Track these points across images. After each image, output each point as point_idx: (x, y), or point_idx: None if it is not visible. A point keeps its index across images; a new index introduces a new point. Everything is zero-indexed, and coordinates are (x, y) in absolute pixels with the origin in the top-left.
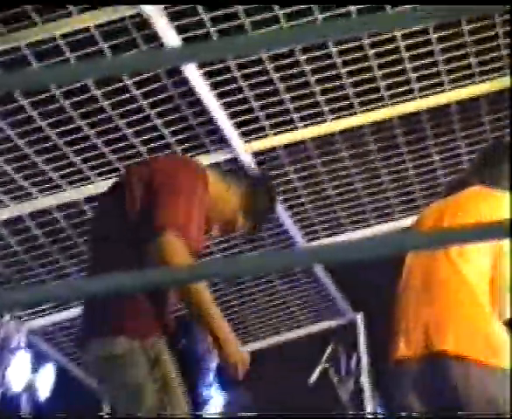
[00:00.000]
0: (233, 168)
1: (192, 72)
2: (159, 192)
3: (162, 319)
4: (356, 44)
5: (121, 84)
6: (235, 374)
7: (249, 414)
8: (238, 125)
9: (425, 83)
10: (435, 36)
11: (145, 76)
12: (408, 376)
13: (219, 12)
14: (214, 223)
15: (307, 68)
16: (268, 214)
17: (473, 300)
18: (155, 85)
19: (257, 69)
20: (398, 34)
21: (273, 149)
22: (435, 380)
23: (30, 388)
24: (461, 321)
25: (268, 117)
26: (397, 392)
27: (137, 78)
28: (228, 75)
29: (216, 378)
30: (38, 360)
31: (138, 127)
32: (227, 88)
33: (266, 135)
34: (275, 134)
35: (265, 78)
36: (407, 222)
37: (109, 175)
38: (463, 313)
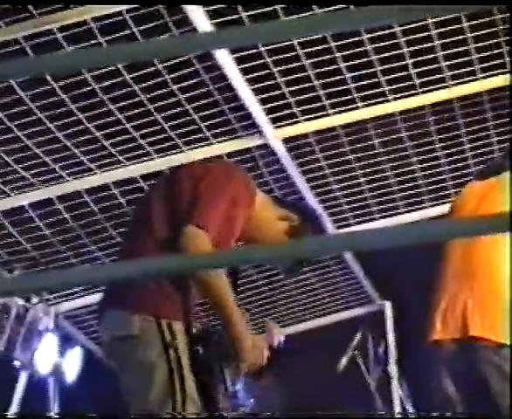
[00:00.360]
0: (289, 199)
1: (224, 58)
2: (203, 193)
3: (183, 305)
4: (386, 32)
5: (152, 69)
6: (254, 372)
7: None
8: (269, 111)
9: (456, 71)
10: (465, 25)
11: (176, 61)
12: (443, 359)
13: None
14: (252, 243)
15: (339, 55)
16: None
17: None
18: (186, 71)
19: (288, 55)
20: (430, 21)
21: (304, 136)
22: (469, 364)
23: (57, 371)
24: (499, 308)
25: (299, 103)
26: (432, 374)
27: (168, 63)
28: (259, 61)
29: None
30: (66, 343)
31: (169, 112)
32: (258, 74)
33: (297, 121)
34: (306, 121)
35: (296, 64)
36: (436, 210)
37: (138, 160)
38: (501, 300)
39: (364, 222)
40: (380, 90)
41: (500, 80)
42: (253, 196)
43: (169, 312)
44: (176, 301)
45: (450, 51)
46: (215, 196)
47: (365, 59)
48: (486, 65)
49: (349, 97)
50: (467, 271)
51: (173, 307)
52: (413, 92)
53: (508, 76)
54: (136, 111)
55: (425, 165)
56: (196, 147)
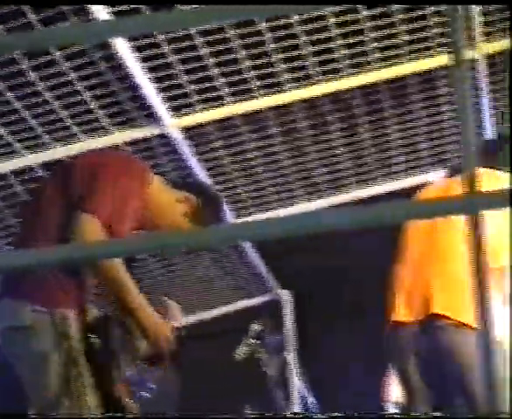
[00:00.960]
0: (185, 179)
1: (122, 47)
2: (95, 181)
3: (77, 293)
4: (286, 21)
5: (49, 57)
6: (159, 350)
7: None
8: (167, 100)
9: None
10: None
11: (74, 49)
12: (406, 340)
13: None
14: (150, 226)
15: (237, 44)
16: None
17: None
18: (84, 59)
19: (186, 44)
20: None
21: (202, 125)
22: (432, 343)
23: None
24: (460, 289)
25: (197, 92)
26: (395, 355)
27: (66, 52)
28: (157, 50)
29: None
30: None
31: (68, 101)
32: (156, 63)
33: (195, 111)
34: (204, 110)
35: (194, 53)
36: (334, 200)
37: (37, 149)
38: (462, 281)
39: (263, 211)
40: (277, 80)
41: (427, 63)
42: (148, 182)
43: (62, 301)
44: (70, 290)
45: (379, 33)
46: (106, 183)
47: (263, 49)
48: (414, 47)
49: (247, 86)
50: (429, 255)
51: (66, 297)
52: (310, 81)
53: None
54: (36, 100)
55: (323, 154)
56: (95, 136)
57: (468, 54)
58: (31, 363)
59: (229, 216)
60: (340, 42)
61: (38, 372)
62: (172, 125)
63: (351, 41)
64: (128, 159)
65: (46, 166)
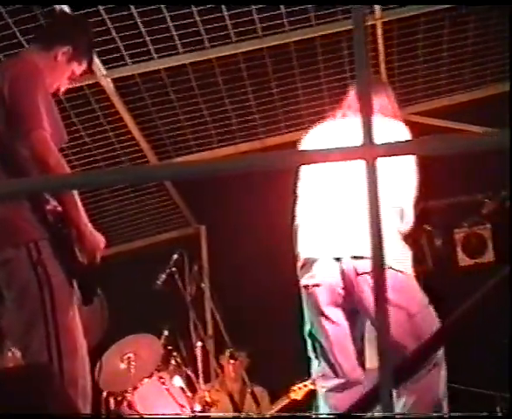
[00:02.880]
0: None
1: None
2: (12, 96)
3: (43, 222)
4: None
5: None
6: (91, 257)
7: None
8: (101, 53)
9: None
10: None
11: None
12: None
13: None
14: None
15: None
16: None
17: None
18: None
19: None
20: None
21: (132, 77)
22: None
23: None
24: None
25: (127, 47)
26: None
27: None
28: (92, 8)
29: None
30: None
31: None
32: (93, 20)
33: (125, 64)
34: (133, 63)
35: (126, 12)
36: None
37: None
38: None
39: (183, 154)
40: (199, 38)
41: (305, 32)
42: (41, 73)
43: (32, 232)
44: (37, 221)
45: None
46: (32, 96)
47: (187, 10)
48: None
49: (171, 43)
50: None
51: (35, 227)
52: (228, 40)
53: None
54: None
55: (236, 105)
56: None
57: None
58: (14, 295)
59: (152, 159)
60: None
61: (19, 302)
62: (104, 76)
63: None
64: (24, 66)
65: None
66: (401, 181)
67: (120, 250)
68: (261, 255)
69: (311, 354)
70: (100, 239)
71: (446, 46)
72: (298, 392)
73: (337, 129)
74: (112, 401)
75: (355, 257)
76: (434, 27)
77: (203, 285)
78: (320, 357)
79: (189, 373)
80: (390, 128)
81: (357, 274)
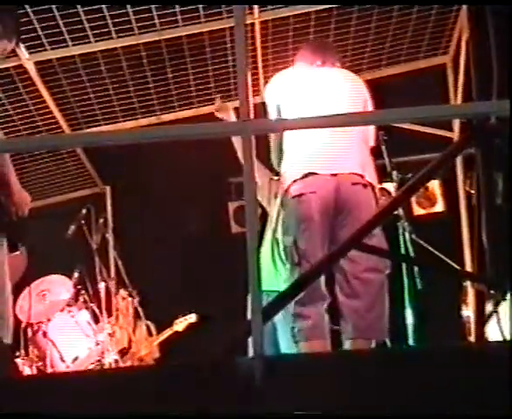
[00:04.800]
0: None
1: None
2: None
3: None
4: None
5: None
6: (21, 211)
7: None
8: (25, 40)
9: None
10: None
11: None
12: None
13: None
14: None
15: None
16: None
17: None
18: None
19: None
20: None
21: (50, 61)
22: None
23: None
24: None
25: (47, 36)
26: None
27: None
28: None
29: None
30: None
31: None
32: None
33: (45, 50)
34: (52, 50)
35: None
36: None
37: None
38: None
39: (93, 126)
40: (107, 29)
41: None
42: None
43: None
44: None
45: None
46: None
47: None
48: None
49: (83, 34)
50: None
51: None
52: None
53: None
54: None
55: (138, 87)
56: None
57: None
58: None
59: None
60: None
61: None
62: (26, 58)
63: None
64: None
65: None
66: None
67: (37, 205)
68: (157, 208)
69: (290, 263)
70: (27, 196)
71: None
72: (179, 324)
73: (317, 76)
74: (29, 330)
75: (349, 173)
76: (302, 27)
77: (107, 235)
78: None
79: (94, 308)
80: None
81: (352, 184)
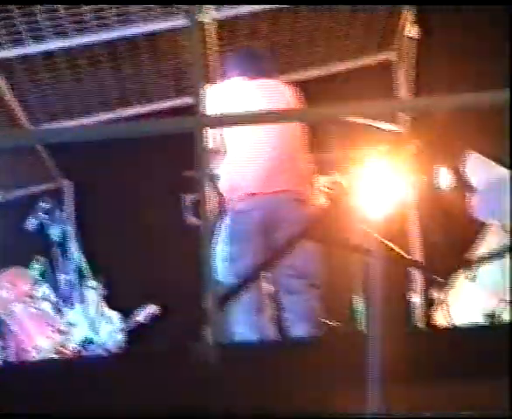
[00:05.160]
0: None
1: None
2: None
3: None
4: None
5: None
6: None
7: None
8: None
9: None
10: None
11: None
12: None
13: None
14: None
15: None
16: None
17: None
18: None
19: None
20: None
21: (9, 60)
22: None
23: None
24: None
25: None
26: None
27: None
28: None
29: None
30: None
31: None
32: None
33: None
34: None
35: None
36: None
37: None
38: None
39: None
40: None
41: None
42: None
43: None
44: None
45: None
46: None
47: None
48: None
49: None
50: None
51: None
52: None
53: None
54: None
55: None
56: None
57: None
58: None
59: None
60: None
61: None
62: None
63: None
64: None
65: None
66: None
67: None
68: (116, 201)
69: (226, 278)
70: None
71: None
72: (140, 314)
73: (255, 89)
74: None
75: (282, 191)
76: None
77: (67, 227)
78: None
79: (55, 299)
80: (278, 88)
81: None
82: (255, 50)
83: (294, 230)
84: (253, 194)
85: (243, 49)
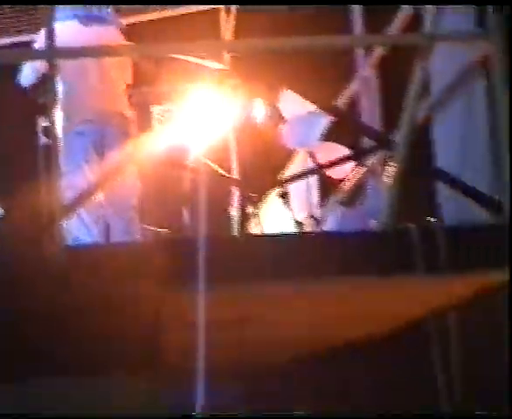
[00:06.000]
0: None
1: None
2: None
3: None
4: None
5: None
6: None
7: None
8: None
9: None
10: None
11: None
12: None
13: None
14: None
15: None
16: None
17: None
18: None
19: None
20: None
21: None
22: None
23: None
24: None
25: None
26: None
27: None
28: None
29: None
30: None
31: None
32: None
33: None
34: None
35: None
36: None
37: None
38: None
39: None
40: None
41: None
42: None
43: None
44: None
45: None
46: None
47: None
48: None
49: None
50: None
51: None
52: None
53: None
54: None
55: None
56: None
57: None
58: None
59: None
60: None
61: None
62: None
63: None
64: None
65: None
66: None
67: None
68: None
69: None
70: None
71: None
72: None
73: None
74: None
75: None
76: None
77: None
78: None
79: None
80: None
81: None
82: None
83: (122, 153)
84: (89, 120)
85: None
